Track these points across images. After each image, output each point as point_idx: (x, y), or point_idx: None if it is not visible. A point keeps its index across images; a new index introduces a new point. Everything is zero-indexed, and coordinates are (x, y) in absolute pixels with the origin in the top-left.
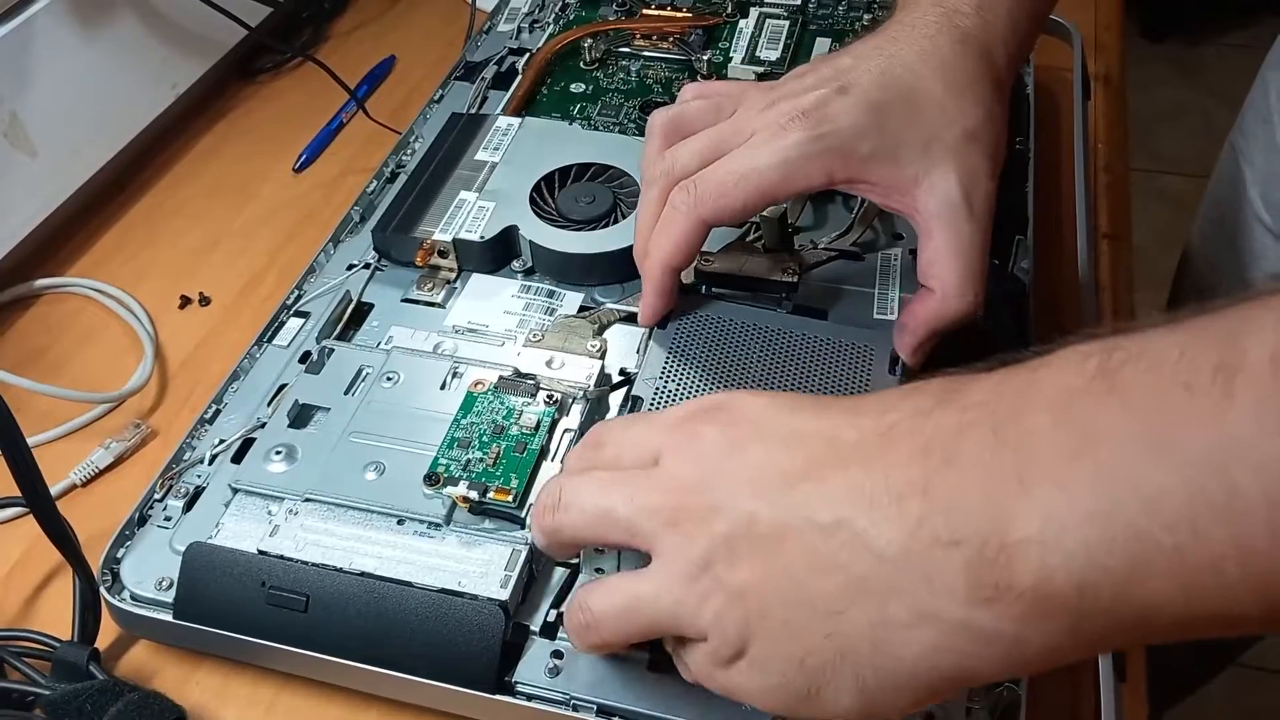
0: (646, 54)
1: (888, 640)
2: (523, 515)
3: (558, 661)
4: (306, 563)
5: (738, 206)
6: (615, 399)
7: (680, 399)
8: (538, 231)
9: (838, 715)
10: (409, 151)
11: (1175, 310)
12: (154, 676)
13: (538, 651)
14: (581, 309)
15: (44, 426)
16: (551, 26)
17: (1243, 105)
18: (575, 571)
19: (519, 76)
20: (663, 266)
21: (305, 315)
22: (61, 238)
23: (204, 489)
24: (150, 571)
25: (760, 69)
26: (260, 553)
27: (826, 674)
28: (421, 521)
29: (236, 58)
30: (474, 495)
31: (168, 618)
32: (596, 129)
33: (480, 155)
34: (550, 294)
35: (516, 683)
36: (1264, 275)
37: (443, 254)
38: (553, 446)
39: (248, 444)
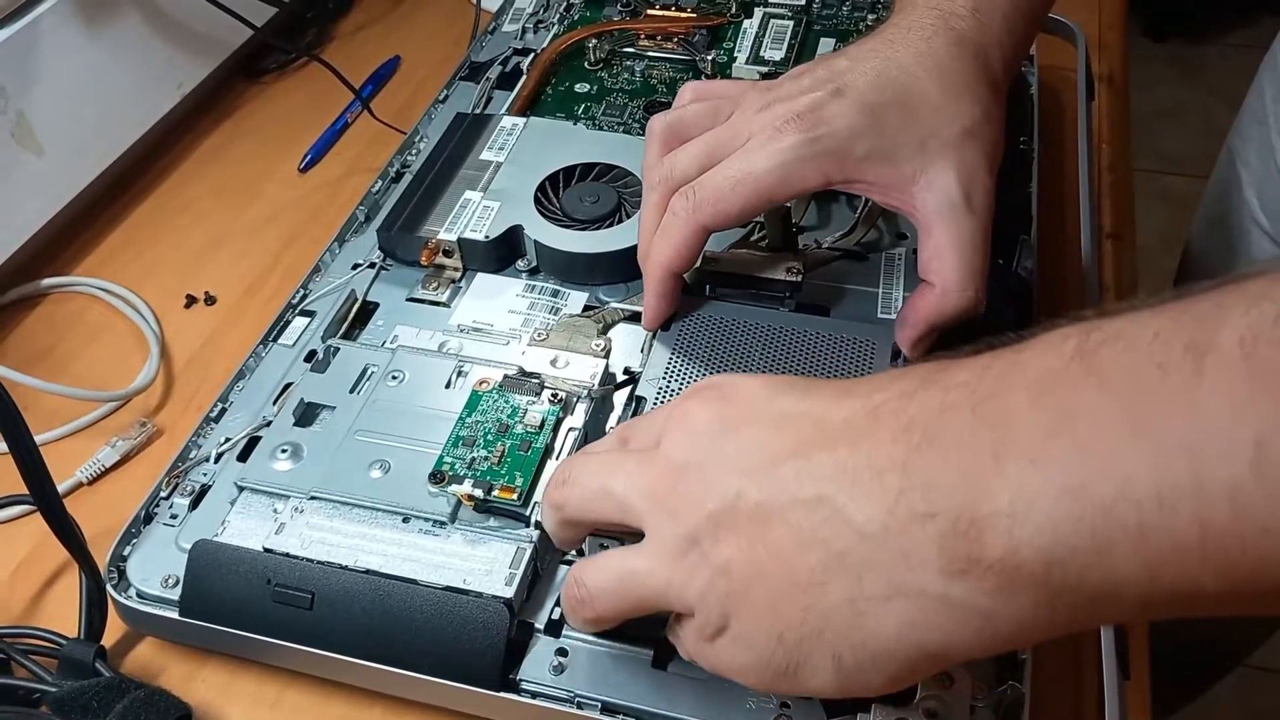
0: (651, 54)
1: (864, 615)
2: (527, 513)
3: (562, 659)
4: (312, 560)
5: (735, 211)
6: (620, 398)
7: None
8: (542, 231)
9: (816, 691)
10: (414, 151)
11: None
12: (160, 673)
13: (542, 649)
14: (586, 308)
15: (50, 425)
16: (556, 27)
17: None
18: None
19: (524, 76)
20: (664, 271)
21: (310, 314)
22: (68, 237)
23: (210, 487)
24: (156, 569)
25: (764, 69)
26: (266, 550)
27: (805, 649)
28: (426, 519)
29: (242, 58)
30: (479, 493)
31: (173, 615)
32: (601, 129)
33: (485, 155)
34: (555, 293)
35: (521, 680)
36: None
37: (448, 253)
38: (557, 445)
39: (253, 442)
